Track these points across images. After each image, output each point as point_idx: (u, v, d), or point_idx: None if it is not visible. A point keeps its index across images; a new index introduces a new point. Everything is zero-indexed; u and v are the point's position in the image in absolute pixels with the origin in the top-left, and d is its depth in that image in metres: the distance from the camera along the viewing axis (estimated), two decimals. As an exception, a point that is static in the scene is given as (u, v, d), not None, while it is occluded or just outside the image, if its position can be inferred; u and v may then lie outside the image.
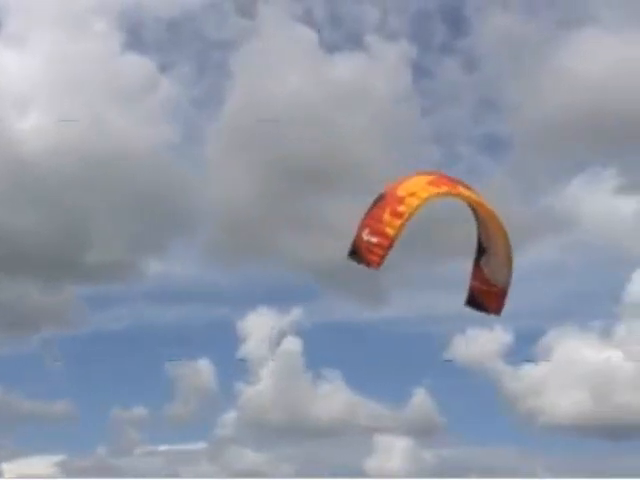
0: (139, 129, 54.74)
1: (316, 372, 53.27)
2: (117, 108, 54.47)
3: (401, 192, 18.18)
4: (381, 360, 54.15)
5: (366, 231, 18.02)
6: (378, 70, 56.98)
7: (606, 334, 51.49)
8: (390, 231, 17.84)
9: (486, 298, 19.69)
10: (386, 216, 17.93)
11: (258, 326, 54.34)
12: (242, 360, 53.37)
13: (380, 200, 18.22)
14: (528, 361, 51.87)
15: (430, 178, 18.56)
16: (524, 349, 53.08)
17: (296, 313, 55.13)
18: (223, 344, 55.22)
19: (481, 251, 19.54)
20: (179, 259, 59.45)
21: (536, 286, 56.01)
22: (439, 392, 51.26)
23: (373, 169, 55.48)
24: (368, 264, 18.07)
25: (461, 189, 18.57)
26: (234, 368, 54.16)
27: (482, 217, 18.96)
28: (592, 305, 54.06)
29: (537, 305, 54.77)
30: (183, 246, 59.00)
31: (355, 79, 55.63)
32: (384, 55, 57.24)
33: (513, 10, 59.75)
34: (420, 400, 51.95)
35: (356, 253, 18.20)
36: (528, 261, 55.37)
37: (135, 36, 59.48)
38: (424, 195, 18.20)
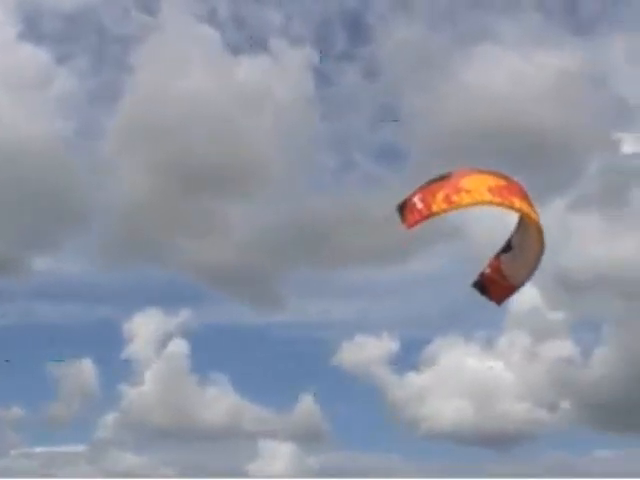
0: (33, 122, 53.67)
1: (202, 375, 53.15)
2: (10, 100, 53.36)
3: (463, 184, 19.45)
4: (270, 365, 54.41)
5: (419, 196, 19.38)
6: (281, 74, 57.41)
7: (489, 344, 52.88)
8: (435, 208, 19.25)
9: (493, 288, 21.12)
10: (439, 195, 19.26)
11: (144, 327, 53.87)
12: (126, 361, 52.86)
13: (444, 179, 19.49)
14: (413, 369, 52.91)
15: (493, 183, 19.73)
16: (409, 357, 53.98)
17: (185, 315, 54.78)
18: (107, 344, 54.27)
19: (507, 248, 20.97)
20: (71, 257, 58.49)
21: (424, 295, 57.33)
22: (325, 398, 51.77)
23: (270, 173, 55.88)
24: (404, 221, 19.43)
25: (515, 200, 19.70)
26: (118, 369, 53.55)
27: (526, 224, 20.25)
28: (477, 316, 55.27)
29: (424, 314, 55.94)
30: (76, 244, 57.82)
31: (258, 82, 55.80)
32: (287, 59, 57.72)
33: (416, 21, 60.92)
34: (306, 406, 52.32)
35: (402, 209, 19.47)
36: (417, 270, 56.68)
37: (32, 26, 58.41)
38: (477, 198, 19.53)
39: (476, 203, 19.71)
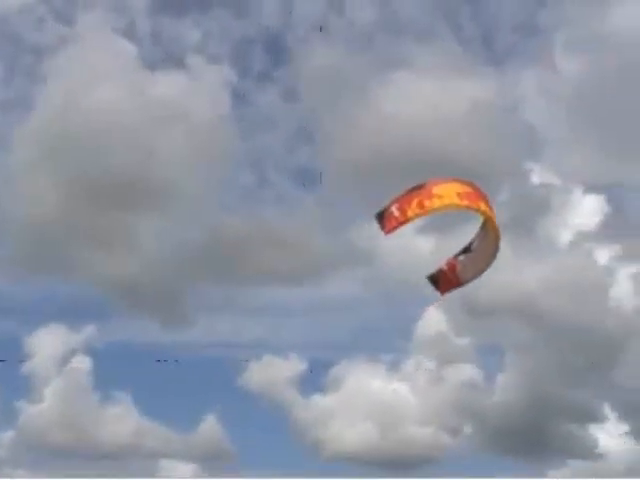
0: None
1: (105, 393, 52.25)
2: None
3: (435, 190, 21.74)
4: (175, 383, 53.85)
5: (395, 205, 21.65)
6: (197, 91, 57.21)
7: (395, 368, 53.36)
8: (410, 213, 21.52)
9: (444, 282, 23.32)
10: (414, 202, 21.56)
11: (47, 343, 52.76)
12: (26, 377, 51.58)
13: (417, 189, 21.79)
14: (319, 391, 53.02)
15: (461, 190, 21.98)
16: (316, 379, 54.10)
17: (89, 331, 53.92)
18: (7, 360, 52.76)
19: (466, 250, 23.11)
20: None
21: (333, 318, 57.66)
22: (230, 418, 51.44)
23: (184, 189, 55.51)
24: (382, 228, 21.65)
25: (481, 204, 22.04)
26: (17, 385, 52.26)
27: (487, 229, 22.53)
28: (384, 339, 55.84)
29: (332, 336, 56.32)
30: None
31: (174, 98, 55.52)
32: (205, 77, 57.58)
33: (335, 45, 61.46)
34: (210, 426, 51.92)
35: (381, 217, 21.68)
36: (328, 293, 57.07)
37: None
38: (447, 202, 21.76)
39: (447, 207, 21.91)
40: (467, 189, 22.07)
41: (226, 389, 52.89)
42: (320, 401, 52.58)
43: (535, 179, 57.33)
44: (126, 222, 54.45)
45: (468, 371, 52.02)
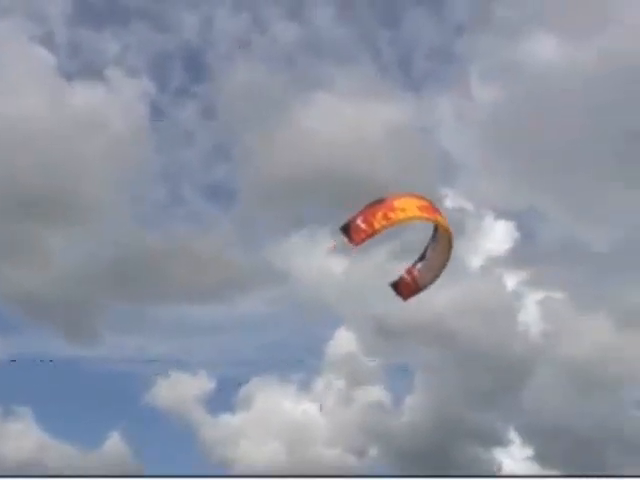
0: None
1: (5, 408, 50.83)
2: None
3: (396, 204, 23.65)
4: (80, 400, 52.76)
5: (360, 218, 23.33)
6: (115, 103, 56.60)
7: (305, 388, 53.28)
8: (377, 225, 23.22)
9: (405, 289, 25.73)
10: (379, 215, 23.31)
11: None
12: None
13: (379, 202, 23.62)
14: (227, 409, 52.64)
15: (420, 204, 24.09)
16: (225, 397, 53.67)
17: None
18: None
19: (421, 258, 25.42)
20: None
21: (245, 336, 57.34)
22: (136, 436, 50.56)
23: (97, 203, 54.72)
24: (350, 240, 23.30)
25: (438, 217, 24.31)
26: None
27: (440, 238, 24.71)
28: (295, 358, 55.83)
29: (243, 354, 55.96)
30: None
31: (91, 110, 54.88)
32: (123, 90, 57.02)
33: (256, 64, 61.63)
34: (114, 443, 50.91)
35: (346, 230, 23.39)
36: (240, 311, 56.82)
37: None
38: (410, 215, 23.77)
39: (410, 219, 23.93)
40: (424, 203, 24.20)
41: (133, 406, 52.10)
42: (229, 420, 52.30)
43: (449, 204, 58.14)
44: (36, 235, 53.45)
45: (377, 392, 52.36)
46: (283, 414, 51.62)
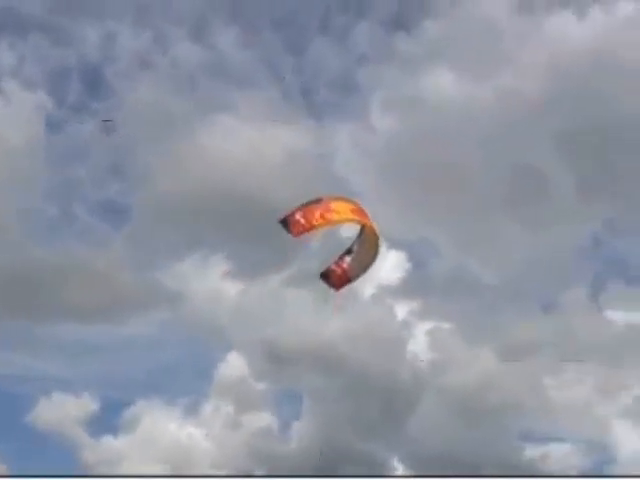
0: None
1: None
2: None
3: (332, 206, 26.06)
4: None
5: (299, 214, 25.64)
6: (9, 116, 55.38)
7: (192, 411, 52.81)
8: (315, 222, 25.62)
9: (336, 280, 27.59)
10: (317, 213, 25.69)
11: None
12: None
13: (317, 202, 25.98)
14: (110, 431, 51.72)
15: (352, 207, 26.54)
16: (109, 419, 52.71)
17: None
18: None
19: (349, 252, 27.59)
20: None
21: (133, 357, 56.45)
22: (15, 457, 49.05)
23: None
24: (290, 232, 25.62)
25: (366, 220, 26.77)
26: None
27: (367, 236, 27.09)
28: (183, 381, 55.30)
29: (129, 376, 55.08)
30: None
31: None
32: (19, 102, 55.86)
33: (157, 83, 61.17)
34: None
35: (285, 223, 25.64)
36: (129, 331, 55.92)
37: None
38: (343, 217, 26.22)
39: (343, 220, 26.40)
40: (355, 207, 26.66)
41: (13, 426, 50.62)
42: (111, 442, 51.30)
43: (345, 232, 58.61)
44: None
45: (265, 417, 52.30)
46: (168, 437, 51.08)
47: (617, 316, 55.23)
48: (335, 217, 25.99)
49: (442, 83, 60.62)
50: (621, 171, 57.84)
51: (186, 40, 63.61)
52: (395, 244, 58.56)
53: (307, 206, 25.88)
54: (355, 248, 27.59)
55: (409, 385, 52.38)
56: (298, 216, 25.71)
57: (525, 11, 61.45)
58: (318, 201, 26.09)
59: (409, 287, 57.56)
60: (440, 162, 57.98)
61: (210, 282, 58.98)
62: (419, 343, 54.19)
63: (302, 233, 25.63)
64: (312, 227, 25.61)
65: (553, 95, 58.14)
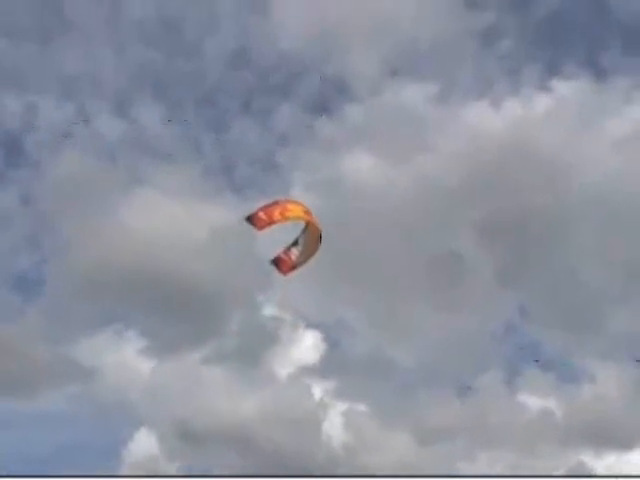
0: None
1: None
2: None
3: (288, 206, 31.57)
4: None
5: (261, 212, 30.95)
6: None
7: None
8: (275, 218, 31.01)
9: (284, 265, 32.43)
10: (276, 211, 31.13)
11: None
12: None
13: (275, 203, 31.50)
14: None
15: (302, 208, 31.89)
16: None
17: None
18: None
19: (295, 243, 32.26)
20: None
21: (40, 433, 54.67)
22: None
23: None
24: (255, 226, 30.75)
25: (312, 218, 32.02)
26: None
27: (311, 231, 32.05)
28: (91, 459, 53.63)
29: (35, 453, 53.16)
30: None
31: None
32: None
33: (79, 155, 60.87)
34: None
35: (250, 219, 30.84)
36: (38, 406, 54.35)
37: None
38: (297, 214, 31.65)
39: (297, 218, 31.65)
40: (304, 207, 31.89)
41: None
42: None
43: (265, 311, 58.77)
44: None
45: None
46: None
47: (531, 401, 56.02)
48: (290, 214, 31.40)
49: (362, 167, 61.87)
50: (535, 260, 59.43)
51: (109, 113, 63.76)
52: (313, 324, 58.84)
53: (268, 207, 31.26)
54: (300, 241, 32.42)
55: (323, 467, 51.96)
56: (261, 214, 30.99)
57: (443, 100, 63.58)
58: (276, 203, 31.57)
59: (325, 367, 57.59)
60: (358, 244, 58.74)
61: (124, 358, 58.08)
62: (334, 424, 54.02)
63: (264, 227, 30.93)
64: (272, 222, 30.98)
65: (470, 183, 59.74)
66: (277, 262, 32.53)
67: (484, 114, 62.17)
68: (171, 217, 57.26)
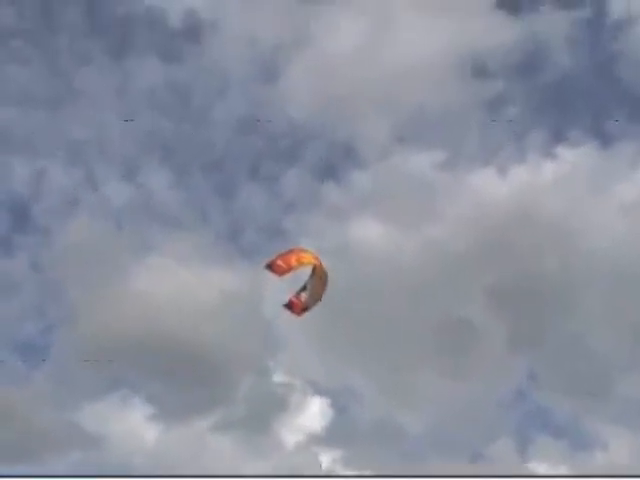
0: None
1: None
2: None
3: (302, 254, 34.49)
4: None
5: (279, 260, 33.92)
6: None
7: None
8: (292, 264, 34.13)
9: (296, 308, 35.07)
10: (293, 258, 34.18)
11: None
12: None
13: (290, 251, 34.47)
14: None
15: (313, 255, 34.65)
16: None
17: None
18: None
19: (304, 289, 34.97)
20: None
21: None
22: None
23: None
24: (274, 272, 33.83)
25: (320, 263, 34.69)
26: None
27: (317, 276, 34.71)
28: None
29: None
30: None
31: None
32: None
33: (88, 221, 61.15)
34: None
35: (270, 267, 33.83)
36: (44, 473, 53.56)
37: None
38: (311, 261, 34.50)
39: (310, 263, 34.37)
40: (314, 255, 34.72)
41: None
42: None
43: (277, 377, 58.54)
44: None
45: None
46: None
47: (542, 469, 55.25)
48: (305, 260, 34.38)
49: (369, 233, 61.99)
50: (543, 325, 59.14)
51: (117, 179, 64.19)
52: (320, 391, 58.44)
53: (284, 254, 34.24)
54: (308, 286, 35.04)
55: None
56: (279, 262, 33.97)
57: (450, 167, 63.99)
58: (291, 251, 34.61)
59: (333, 435, 57.06)
60: (367, 311, 58.55)
61: (130, 424, 57.67)
62: (342, 493, 53.16)
63: (284, 273, 33.97)
64: (290, 268, 34.05)
65: (478, 249, 59.78)
66: (290, 305, 35.30)
67: (490, 180, 62.69)
68: (179, 283, 57.42)
